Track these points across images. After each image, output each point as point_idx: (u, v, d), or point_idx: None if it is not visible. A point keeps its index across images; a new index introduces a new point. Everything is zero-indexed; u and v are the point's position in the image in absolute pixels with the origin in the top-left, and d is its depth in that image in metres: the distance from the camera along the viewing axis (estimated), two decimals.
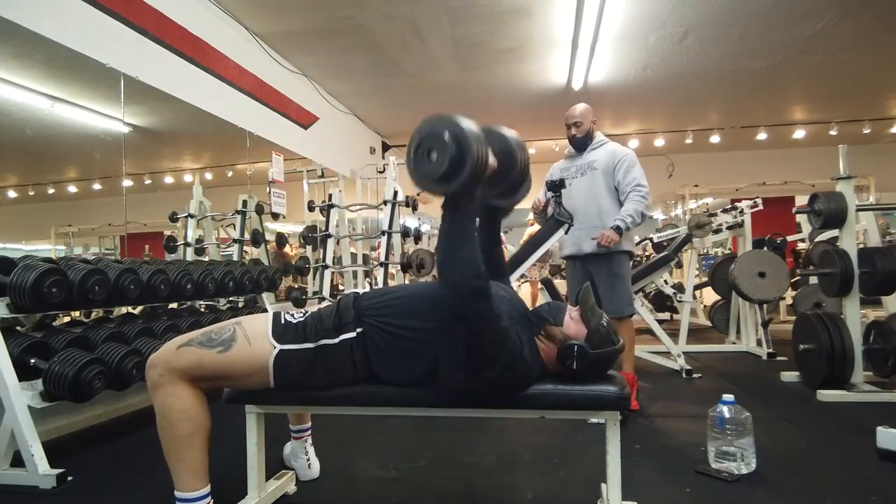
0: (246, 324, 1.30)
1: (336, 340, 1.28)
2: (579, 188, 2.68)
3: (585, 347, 1.25)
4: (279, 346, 1.26)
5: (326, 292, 3.98)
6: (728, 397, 1.82)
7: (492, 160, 1.18)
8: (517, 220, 7.91)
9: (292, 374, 1.27)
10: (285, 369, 1.26)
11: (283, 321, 1.31)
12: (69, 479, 1.81)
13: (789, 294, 4.93)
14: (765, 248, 3.89)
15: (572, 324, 1.30)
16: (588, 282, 1.72)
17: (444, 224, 1.18)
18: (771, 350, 3.80)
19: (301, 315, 1.34)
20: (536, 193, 2.79)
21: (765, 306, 3.95)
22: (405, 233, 4.16)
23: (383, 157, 6.56)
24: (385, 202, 4.10)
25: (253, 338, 1.27)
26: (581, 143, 2.73)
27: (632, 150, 2.71)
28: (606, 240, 2.48)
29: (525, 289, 6.79)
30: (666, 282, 4.49)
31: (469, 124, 1.13)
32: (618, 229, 2.49)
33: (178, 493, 1.24)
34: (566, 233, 2.61)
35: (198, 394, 1.25)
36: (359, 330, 1.28)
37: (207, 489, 1.26)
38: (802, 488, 1.63)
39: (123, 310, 2.75)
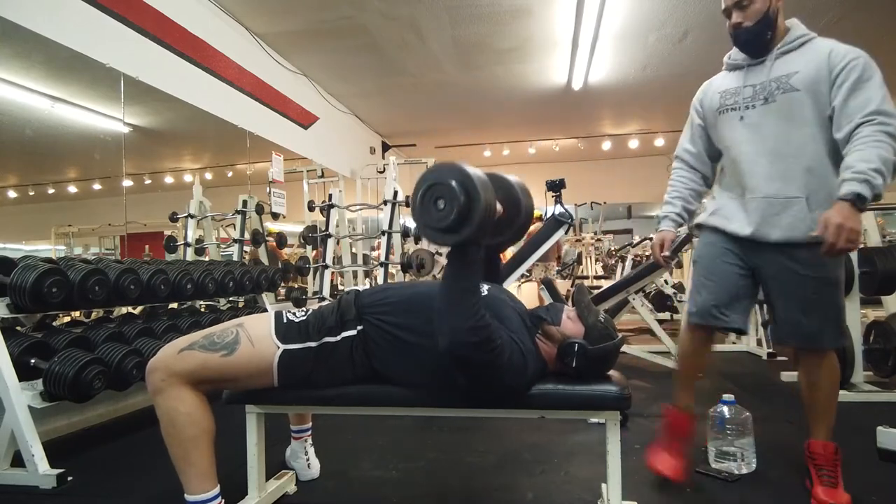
0: (248, 325, 1.29)
1: (338, 338, 1.28)
2: (761, 127, 1.56)
3: (585, 345, 1.25)
4: (283, 346, 1.26)
5: (326, 292, 3.98)
6: (728, 397, 1.82)
7: (498, 208, 1.16)
8: None
9: (296, 374, 1.27)
10: (289, 369, 1.26)
11: (285, 320, 1.31)
12: (69, 479, 1.81)
13: None
14: None
15: (570, 322, 1.30)
16: (582, 283, 1.69)
17: (447, 275, 1.16)
18: (771, 350, 3.79)
19: (303, 314, 1.33)
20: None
21: (765, 306, 3.94)
22: (405, 233, 4.17)
23: (383, 157, 6.56)
24: (385, 202, 4.10)
25: (256, 339, 1.26)
26: (754, 40, 1.56)
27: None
28: (844, 239, 1.32)
29: (525, 289, 6.78)
30: (666, 282, 4.50)
31: (477, 172, 1.10)
32: (858, 200, 1.33)
33: (188, 497, 1.24)
34: (566, 233, 2.55)
35: (200, 396, 1.25)
36: (359, 328, 1.28)
37: (217, 490, 1.26)
38: (802, 488, 1.63)
39: (123, 310, 2.75)
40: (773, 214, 1.55)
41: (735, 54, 1.66)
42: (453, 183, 1.07)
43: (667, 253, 1.76)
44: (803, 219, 1.51)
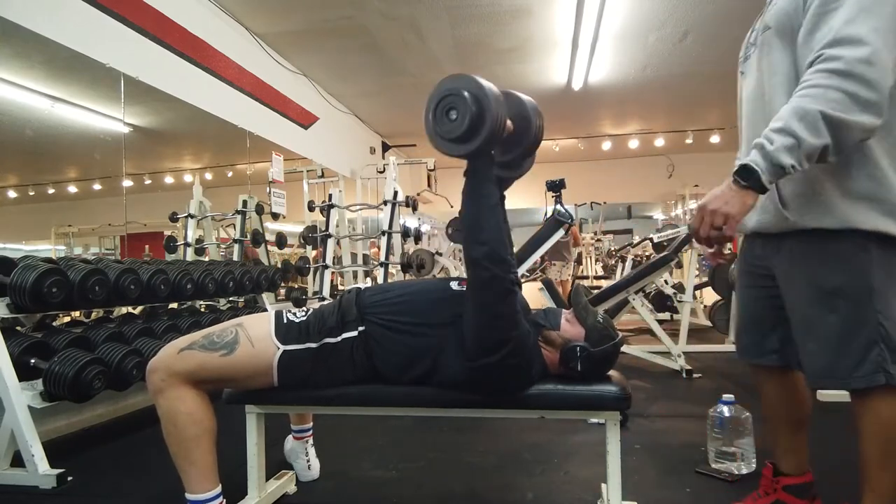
0: (248, 325, 1.29)
1: (338, 339, 1.27)
2: (747, 81, 1.26)
3: (587, 347, 1.25)
4: (283, 347, 1.26)
5: (326, 292, 3.98)
6: (728, 397, 1.82)
7: (508, 123, 1.17)
8: (519, 221, 7.92)
9: (296, 375, 1.27)
10: (289, 370, 1.26)
11: (285, 320, 1.31)
12: (69, 479, 1.81)
13: None
14: None
15: (569, 326, 1.30)
16: (580, 283, 1.63)
17: (467, 190, 1.18)
18: None
19: (303, 314, 1.33)
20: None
21: None
22: (405, 233, 4.17)
23: (383, 157, 6.57)
24: (385, 202, 4.10)
25: (256, 339, 1.26)
26: None
27: None
28: (708, 225, 1.05)
29: (525, 288, 6.75)
30: (666, 282, 4.50)
31: (489, 84, 1.11)
32: (740, 174, 1.01)
33: (189, 496, 1.24)
34: (566, 233, 2.53)
35: (201, 395, 1.25)
36: (361, 328, 1.28)
37: (218, 489, 1.26)
38: None
39: (123, 310, 2.75)
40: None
41: None
42: (465, 93, 1.08)
43: (713, 250, 1.35)
44: (769, 196, 1.13)
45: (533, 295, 5.40)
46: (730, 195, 1.02)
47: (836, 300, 1.10)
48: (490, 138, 1.10)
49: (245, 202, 3.77)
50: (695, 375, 3.21)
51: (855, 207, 1.06)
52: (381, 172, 5.55)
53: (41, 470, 1.78)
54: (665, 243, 4.72)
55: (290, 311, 1.35)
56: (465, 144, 1.11)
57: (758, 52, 1.20)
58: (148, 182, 4.06)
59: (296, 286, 4.60)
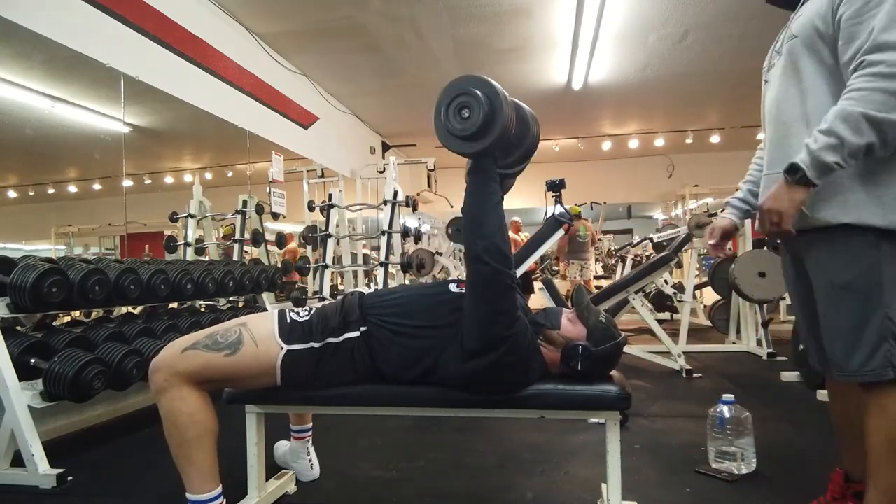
0: (251, 325, 1.29)
1: (340, 339, 1.28)
2: (771, 89, 1.31)
3: (588, 346, 1.25)
4: (286, 347, 1.26)
5: (326, 292, 3.98)
6: (728, 397, 1.82)
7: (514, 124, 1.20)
8: (526, 220, 7.95)
9: (298, 374, 1.27)
10: (292, 369, 1.26)
11: (288, 320, 1.31)
12: (69, 479, 1.81)
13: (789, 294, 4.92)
14: (765, 248, 3.89)
15: (570, 325, 1.30)
16: (581, 283, 1.64)
17: (471, 187, 1.20)
18: (771, 350, 3.79)
19: (306, 313, 1.33)
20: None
21: (765, 306, 3.95)
22: (405, 233, 4.16)
23: (383, 157, 6.57)
24: (385, 202, 4.10)
25: (260, 339, 1.26)
26: None
27: None
28: (766, 224, 1.15)
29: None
30: (666, 282, 4.50)
31: (499, 86, 1.15)
32: (789, 173, 1.10)
33: (189, 496, 1.24)
34: (566, 232, 2.51)
35: (204, 396, 1.25)
36: (363, 329, 1.28)
37: (219, 489, 1.26)
38: (802, 488, 1.63)
39: (123, 310, 2.75)
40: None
41: None
42: (479, 93, 1.13)
43: (712, 242, 1.49)
44: None
45: (533, 294, 5.39)
46: (781, 192, 1.12)
47: (846, 295, 1.16)
48: (500, 137, 1.14)
49: (245, 202, 3.77)
50: (695, 375, 3.22)
51: (867, 204, 1.12)
52: (381, 172, 5.54)
53: (41, 470, 1.78)
54: (665, 243, 4.73)
55: (292, 311, 1.35)
56: (477, 142, 1.14)
57: (783, 60, 1.26)
58: (148, 182, 4.06)
59: (289, 279, 4.58)
